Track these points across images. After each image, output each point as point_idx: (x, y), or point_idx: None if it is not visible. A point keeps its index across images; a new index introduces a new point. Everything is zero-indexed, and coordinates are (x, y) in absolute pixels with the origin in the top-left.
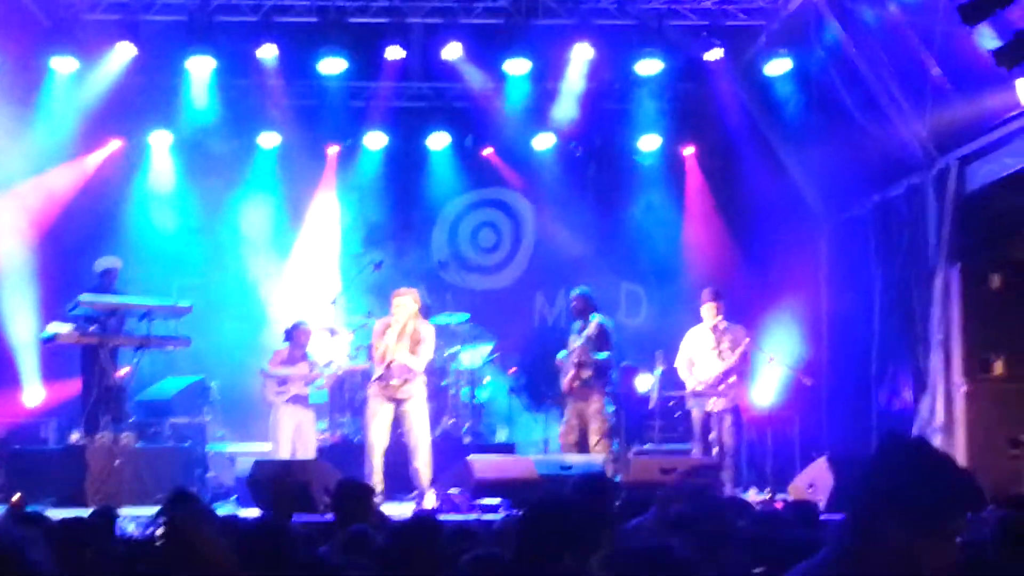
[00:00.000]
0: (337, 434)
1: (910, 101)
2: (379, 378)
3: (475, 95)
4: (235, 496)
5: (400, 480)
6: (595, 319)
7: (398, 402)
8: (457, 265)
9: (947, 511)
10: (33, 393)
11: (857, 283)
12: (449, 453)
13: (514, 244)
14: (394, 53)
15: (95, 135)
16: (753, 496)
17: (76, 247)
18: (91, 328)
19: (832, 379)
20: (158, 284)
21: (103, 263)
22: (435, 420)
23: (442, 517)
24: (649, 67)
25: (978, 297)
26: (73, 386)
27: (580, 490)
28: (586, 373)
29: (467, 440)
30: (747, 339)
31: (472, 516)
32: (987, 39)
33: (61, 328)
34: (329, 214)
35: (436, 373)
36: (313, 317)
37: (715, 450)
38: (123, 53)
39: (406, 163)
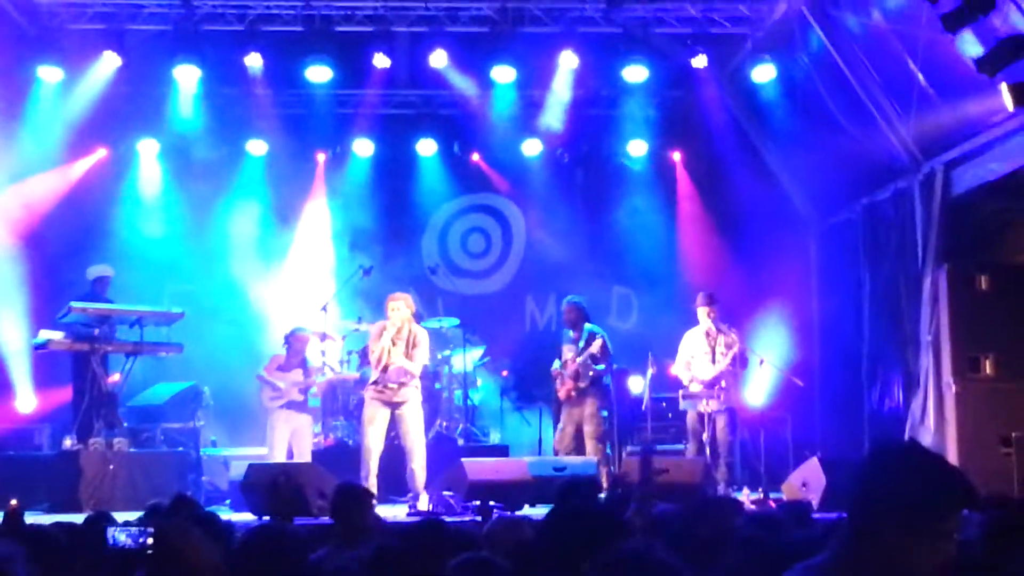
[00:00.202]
0: (331, 438)
1: (895, 107)
2: (375, 382)
3: (462, 102)
4: (229, 500)
5: (394, 482)
6: (599, 339)
7: (394, 406)
8: (447, 270)
9: (941, 510)
10: (26, 399)
11: (846, 286)
12: (443, 455)
13: (504, 249)
14: (380, 61)
15: (81, 144)
16: (746, 496)
17: (66, 255)
18: (85, 333)
19: (824, 380)
20: (149, 291)
21: (95, 271)
22: (429, 423)
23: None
24: (635, 74)
25: (966, 298)
26: (66, 393)
27: (568, 492)
28: (583, 383)
29: (461, 442)
30: (737, 343)
31: (467, 518)
32: (969, 46)
33: (53, 335)
34: (319, 220)
35: (429, 377)
36: (305, 323)
37: (708, 450)
38: (109, 63)
39: (395, 170)
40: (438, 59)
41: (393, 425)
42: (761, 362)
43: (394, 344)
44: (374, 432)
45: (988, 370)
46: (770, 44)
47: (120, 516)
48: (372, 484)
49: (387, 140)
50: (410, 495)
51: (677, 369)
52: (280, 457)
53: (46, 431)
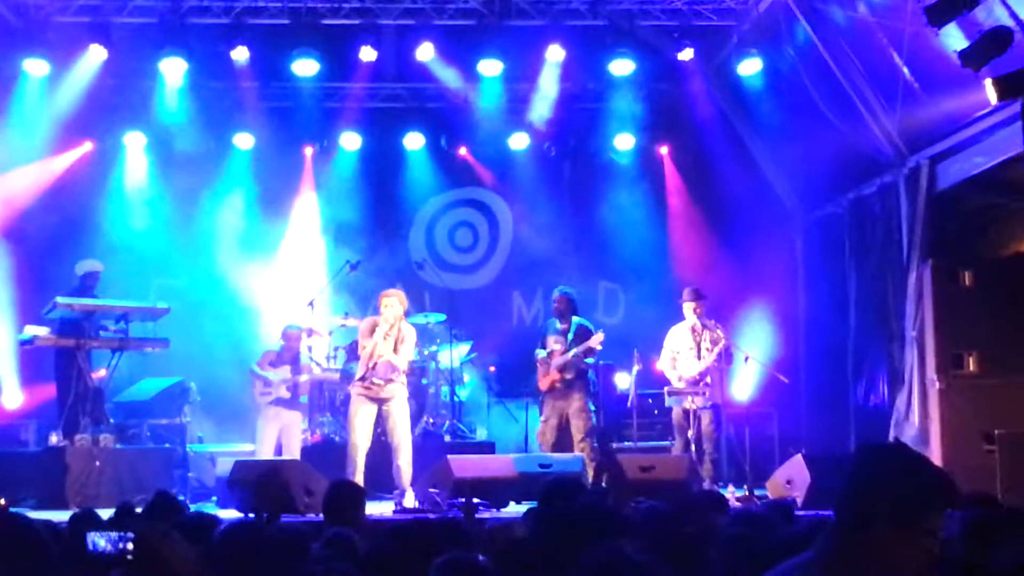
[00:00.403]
0: (317, 434)
1: (881, 100)
2: (362, 378)
3: (449, 96)
4: (215, 497)
5: (380, 479)
6: (602, 333)
7: (380, 402)
8: (434, 265)
9: (926, 508)
10: (12, 395)
11: (833, 280)
12: (429, 451)
13: (491, 243)
14: (367, 54)
15: (67, 137)
16: (732, 492)
17: (51, 249)
18: (70, 329)
19: (810, 375)
20: (135, 286)
21: (84, 266)
22: (415, 419)
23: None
24: (622, 67)
25: (950, 294)
26: (52, 388)
27: (553, 491)
28: (570, 375)
29: (447, 439)
30: (723, 339)
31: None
32: (954, 40)
33: (38, 331)
34: (306, 215)
35: (416, 372)
36: (295, 319)
37: (694, 447)
38: (95, 56)
39: (382, 163)
40: (425, 52)
41: (379, 421)
42: (746, 358)
43: (384, 340)
44: (360, 428)
45: (972, 367)
46: (756, 37)
47: (105, 513)
48: (359, 481)
49: (374, 134)
50: (396, 492)
51: (662, 365)
52: (268, 453)
53: (32, 427)
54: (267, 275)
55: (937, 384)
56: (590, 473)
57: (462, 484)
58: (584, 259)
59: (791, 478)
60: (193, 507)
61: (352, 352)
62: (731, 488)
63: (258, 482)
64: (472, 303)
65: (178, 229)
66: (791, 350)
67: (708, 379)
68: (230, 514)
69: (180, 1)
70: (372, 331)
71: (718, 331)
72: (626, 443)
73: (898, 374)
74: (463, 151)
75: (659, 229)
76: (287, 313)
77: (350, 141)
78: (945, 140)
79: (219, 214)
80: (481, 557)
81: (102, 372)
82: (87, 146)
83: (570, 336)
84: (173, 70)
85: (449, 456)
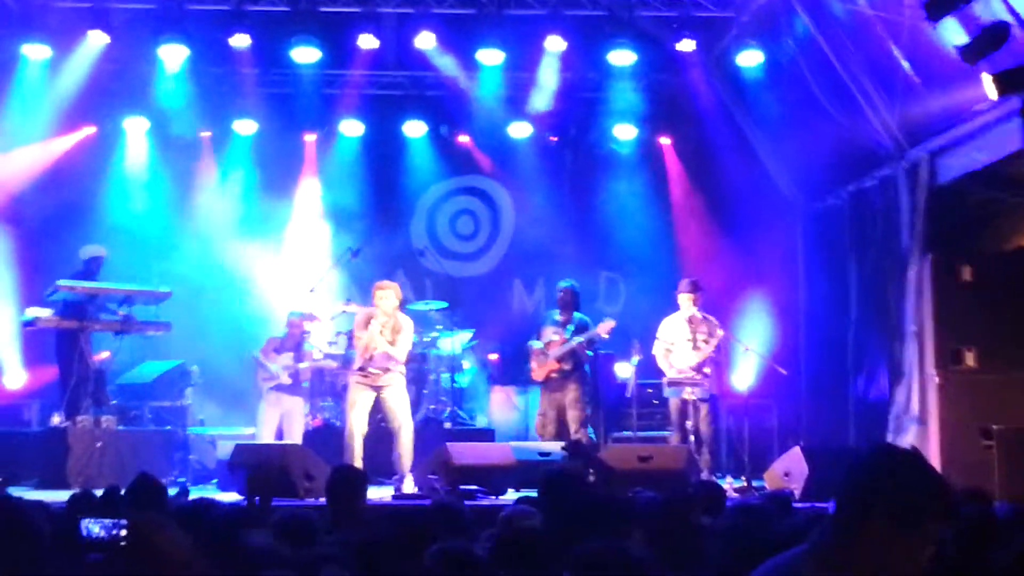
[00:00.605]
0: (318, 419)
1: (880, 94)
2: (360, 368)
3: (450, 84)
4: (216, 480)
5: (379, 464)
6: (611, 321)
7: (378, 389)
8: (435, 252)
9: (927, 515)
10: (15, 376)
11: (833, 272)
12: (429, 438)
13: (492, 232)
14: (367, 42)
15: (68, 122)
16: (730, 483)
17: (54, 233)
18: (72, 311)
19: (810, 367)
20: (137, 269)
21: (89, 251)
22: (416, 406)
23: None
24: (622, 58)
25: (949, 289)
26: (55, 370)
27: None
28: (567, 365)
29: (447, 425)
30: (721, 331)
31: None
32: (952, 35)
33: (41, 312)
34: (307, 201)
35: (416, 359)
36: (296, 305)
37: (693, 438)
38: (95, 41)
39: (383, 151)
40: (425, 41)
41: (378, 408)
42: (746, 350)
43: (380, 332)
44: (357, 415)
45: (970, 362)
46: (756, 29)
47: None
48: (358, 466)
49: (375, 121)
50: (396, 477)
51: (655, 354)
52: (268, 438)
53: (35, 407)
54: (268, 261)
55: (936, 379)
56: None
57: (461, 471)
58: (585, 248)
59: (789, 470)
60: (193, 489)
61: (352, 339)
62: (729, 479)
63: (257, 465)
64: (473, 291)
65: (179, 213)
66: (791, 342)
67: (706, 370)
68: (231, 497)
69: None
70: (367, 323)
71: (714, 321)
72: (625, 433)
73: (898, 368)
74: (464, 139)
75: (660, 219)
76: (289, 299)
77: (351, 128)
78: (945, 134)
79: (220, 200)
80: (486, 546)
81: (106, 354)
82: (88, 130)
83: (570, 328)
84: (173, 56)
85: (448, 444)
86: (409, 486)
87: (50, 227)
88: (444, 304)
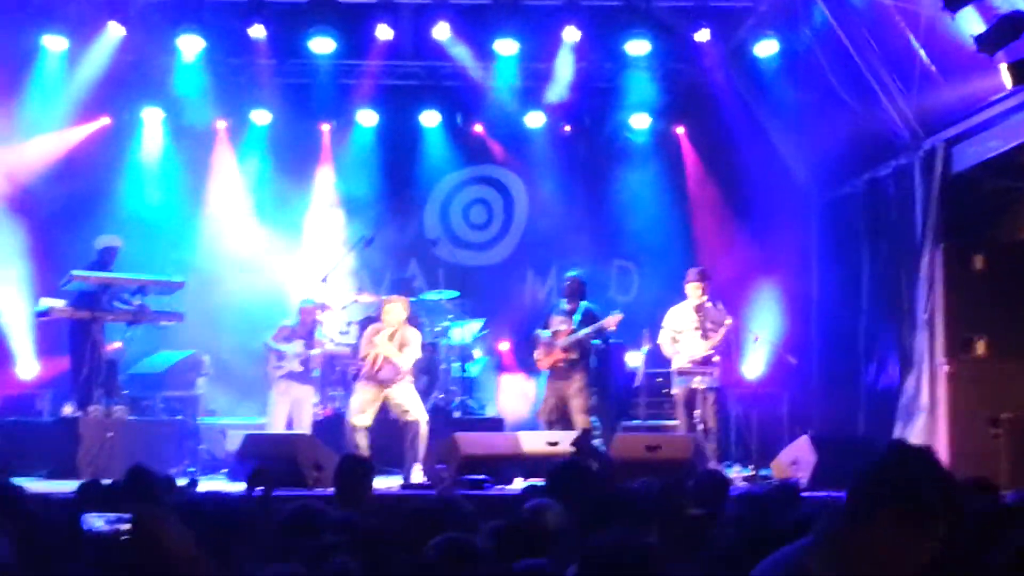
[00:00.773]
0: (329, 408)
1: (897, 83)
2: (368, 376)
3: (466, 74)
4: (226, 470)
5: (389, 454)
6: (619, 314)
7: (385, 386)
8: (449, 242)
9: (936, 513)
10: (28, 366)
11: (847, 261)
12: (439, 428)
13: (505, 221)
14: (383, 32)
15: (85, 113)
16: (737, 472)
17: (68, 223)
18: (86, 302)
19: (821, 356)
20: (151, 259)
21: (103, 241)
22: (426, 395)
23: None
24: (638, 48)
25: (961, 278)
26: (68, 360)
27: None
28: (574, 355)
29: (457, 415)
30: (729, 321)
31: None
32: (970, 24)
33: (54, 303)
34: (322, 191)
35: (427, 348)
36: (308, 293)
37: (700, 427)
38: (113, 32)
39: (398, 140)
40: (441, 31)
41: (386, 407)
42: (755, 338)
43: (387, 344)
44: (360, 410)
45: (980, 351)
46: (773, 18)
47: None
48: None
49: (390, 111)
50: (405, 466)
51: (660, 343)
52: (279, 427)
53: (47, 398)
54: (282, 250)
55: (945, 367)
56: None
57: (470, 461)
58: (598, 237)
59: (796, 459)
60: (203, 479)
61: (365, 328)
62: (737, 468)
63: (267, 456)
64: (486, 280)
65: (194, 203)
66: (803, 330)
67: (715, 359)
68: (240, 487)
69: None
70: (373, 337)
71: (722, 311)
72: (634, 422)
73: (908, 356)
74: (479, 129)
75: (674, 208)
76: (302, 288)
77: (367, 118)
78: (961, 123)
79: (235, 189)
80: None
81: (118, 344)
82: (104, 121)
83: (577, 318)
84: (190, 46)
85: (457, 433)
86: (417, 476)
87: (64, 217)
88: (456, 293)
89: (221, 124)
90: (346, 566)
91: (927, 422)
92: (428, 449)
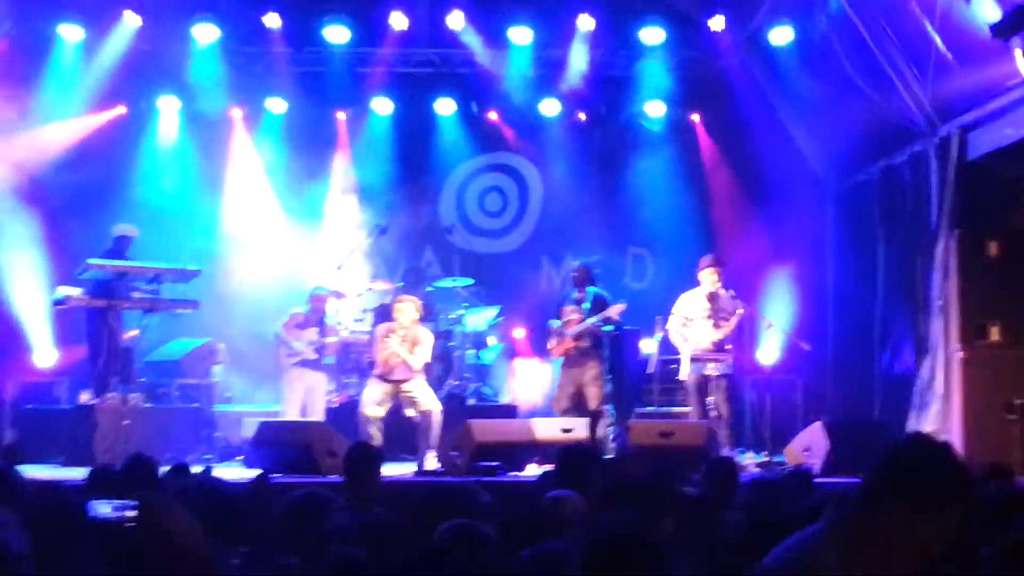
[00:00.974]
0: (344, 396)
1: (912, 69)
2: (379, 375)
3: (480, 62)
4: (242, 456)
5: (403, 440)
6: (622, 304)
7: (398, 383)
8: (464, 229)
9: (952, 502)
10: (46, 354)
11: (862, 248)
12: (452, 415)
13: (520, 208)
14: (398, 20)
15: (101, 102)
16: (751, 459)
17: (85, 212)
18: (102, 290)
19: (836, 342)
20: (167, 247)
21: (120, 229)
22: (440, 382)
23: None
24: (653, 35)
25: (976, 264)
26: (85, 348)
27: (568, 457)
28: (585, 343)
29: (471, 402)
30: (741, 309)
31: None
32: (986, 11)
33: (71, 291)
34: (338, 178)
35: (442, 336)
36: (324, 281)
37: (713, 413)
38: (129, 22)
39: (414, 128)
40: (455, 20)
41: (399, 404)
42: (769, 326)
43: (400, 345)
44: (372, 402)
45: (995, 337)
46: (788, 5)
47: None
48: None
49: (405, 99)
50: (420, 454)
51: (670, 328)
52: (293, 415)
53: (65, 385)
54: (298, 238)
55: (960, 353)
56: (609, 438)
57: (483, 448)
58: (613, 225)
59: (809, 445)
60: (219, 466)
61: (379, 315)
62: (750, 454)
63: (281, 443)
64: (501, 267)
65: (209, 192)
66: (818, 317)
67: (727, 347)
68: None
69: None
70: (386, 336)
71: (735, 299)
72: (648, 408)
73: (923, 343)
74: (494, 116)
75: (689, 195)
76: (316, 275)
77: (382, 106)
78: (976, 110)
79: (251, 178)
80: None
81: (135, 332)
82: (120, 110)
83: (586, 306)
84: (205, 35)
85: (470, 421)
86: (432, 463)
87: (80, 206)
88: (470, 281)
89: (236, 113)
90: (351, 555)
91: (942, 408)
92: (442, 437)
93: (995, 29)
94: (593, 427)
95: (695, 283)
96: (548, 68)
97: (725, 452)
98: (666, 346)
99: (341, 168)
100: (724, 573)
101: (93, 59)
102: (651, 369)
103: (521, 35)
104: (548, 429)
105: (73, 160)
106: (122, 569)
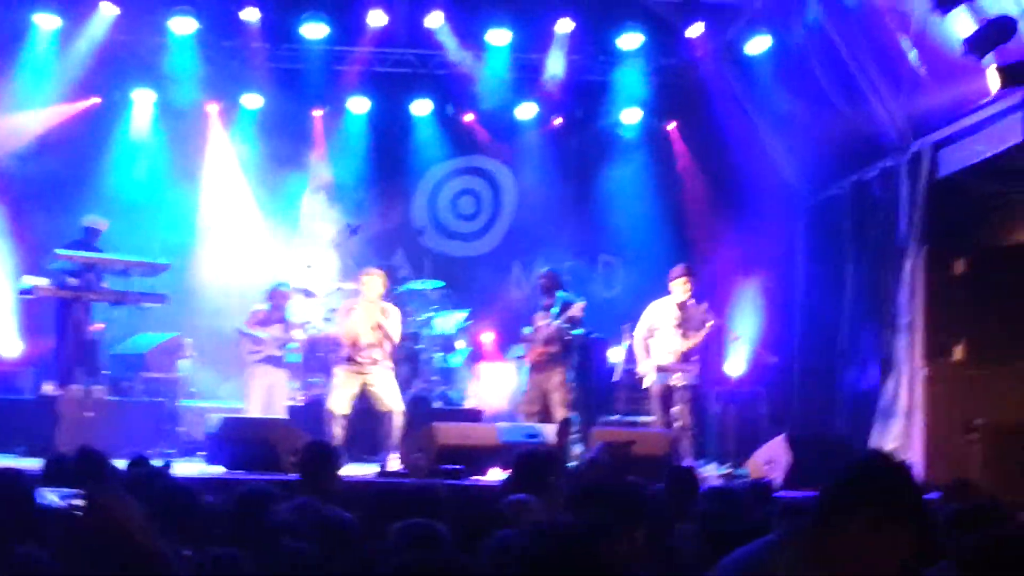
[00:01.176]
0: (309, 395)
1: (887, 84)
2: (348, 358)
3: (458, 63)
4: (204, 452)
5: (366, 442)
6: (581, 302)
7: (364, 374)
8: (436, 231)
9: (912, 526)
10: (10, 344)
11: (831, 262)
12: (418, 417)
13: (494, 212)
14: (376, 19)
15: (75, 92)
16: (714, 470)
17: (54, 202)
18: (70, 281)
19: (803, 356)
20: (137, 241)
21: (89, 220)
22: (407, 384)
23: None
24: (631, 41)
25: (942, 282)
26: (52, 339)
27: (525, 461)
28: (554, 348)
29: (437, 404)
30: (711, 322)
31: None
32: (960, 27)
33: (38, 281)
34: (311, 176)
35: (410, 338)
36: (291, 279)
37: (677, 423)
38: (105, 12)
39: (389, 128)
40: (434, 20)
41: (365, 395)
42: (735, 338)
43: (367, 319)
44: (338, 397)
45: (959, 355)
46: (767, 15)
47: None
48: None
49: (382, 99)
50: (382, 454)
51: (636, 335)
52: (256, 412)
53: (29, 375)
54: (269, 235)
55: (924, 371)
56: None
57: (446, 451)
58: (585, 231)
59: (772, 458)
60: (180, 461)
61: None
62: (713, 466)
63: (244, 439)
64: (471, 271)
65: (181, 185)
66: (785, 330)
67: (694, 357)
68: (217, 470)
69: None
70: (349, 312)
71: (705, 310)
72: (612, 417)
73: (889, 359)
74: (469, 118)
75: (662, 204)
76: (286, 273)
77: (358, 105)
78: (948, 127)
79: (224, 173)
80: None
81: (100, 325)
82: (93, 100)
83: (555, 310)
84: (182, 28)
85: (434, 423)
86: (394, 464)
87: (49, 196)
88: (441, 283)
89: (212, 107)
90: (299, 550)
91: (904, 425)
92: (406, 438)
93: (968, 44)
94: (560, 434)
95: (665, 292)
96: (525, 72)
97: (688, 462)
98: (632, 355)
99: (315, 166)
100: None
101: (68, 48)
102: (616, 377)
103: (499, 37)
104: (512, 434)
105: (43, 149)
106: (69, 557)
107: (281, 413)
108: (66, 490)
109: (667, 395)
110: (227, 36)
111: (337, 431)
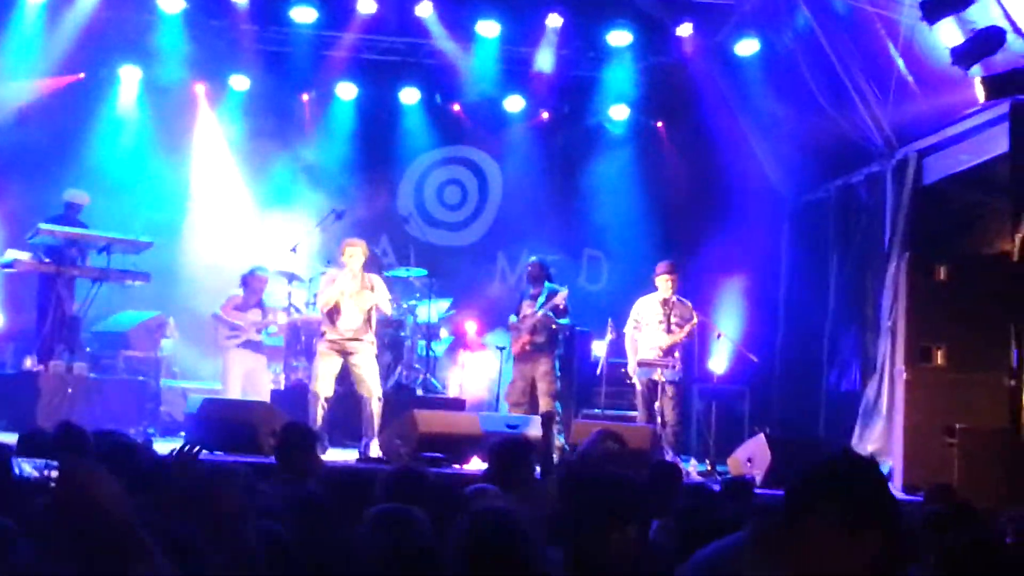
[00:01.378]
0: (291, 378)
1: (874, 91)
2: (328, 334)
3: (447, 53)
4: (184, 432)
5: (348, 427)
6: (565, 290)
7: (347, 355)
8: (421, 220)
9: (876, 527)
10: None
11: (816, 265)
12: (400, 405)
13: (479, 203)
14: (366, 6)
15: (59, 68)
16: (694, 467)
17: (41, 177)
18: (52, 256)
19: (785, 356)
20: (121, 218)
21: (70, 194)
22: (390, 372)
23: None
24: (620, 38)
25: (924, 288)
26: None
27: (502, 450)
28: (540, 338)
29: (419, 393)
30: (695, 318)
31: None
32: (948, 37)
33: (20, 255)
34: (295, 160)
35: (393, 325)
36: (272, 263)
37: (659, 419)
38: None
39: (376, 115)
40: (423, 9)
41: (346, 375)
42: (718, 336)
43: (351, 287)
44: (322, 378)
45: (939, 360)
46: (756, 17)
47: None
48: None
49: (370, 86)
50: (363, 440)
51: (626, 330)
52: (234, 395)
53: (10, 350)
54: (253, 216)
55: (904, 375)
56: (555, 434)
57: (427, 439)
58: (570, 225)
59: (752, 456)
60: (161, 440)
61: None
62: (693, 462)
63: (224, 420)
64: (456, 261)
65: (166, 164)
66: (769, 330)
67: (676, 353)
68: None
69: None
70: (334, 282)
71: (689, 307)
72: (595, 410)
73: (871, 362)
74: (457, 108)
75: (647, 201)
76: (260, 258)
77: (346, 91)
78: (934, 135)
79: (211, 153)
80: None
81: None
82: (79, 75)
83: (541, 299)
84: (171, 6)
85: (415, 411)
86: (375, 450)
87: (31, 168)
88: (424, 272)
89: (199, 87)
90: (272, 530)
91: (885, 427)
92: (387, 425)
93: (956, 54)
94: (544, 425)
95: (649, 288)
96: (514, 64)
97: (669, 458)
98: (615, 349)
99: (299, 150)
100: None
101: (56, 23)
102: (600, 371)
103: (489, 29)
104: (493, 424)
105: (24, 120)
106: (43, 527)
107: (262, 397)
108: (40, 460)
109: (651, 390)
110: (215, 16)
111: (319, 413)
